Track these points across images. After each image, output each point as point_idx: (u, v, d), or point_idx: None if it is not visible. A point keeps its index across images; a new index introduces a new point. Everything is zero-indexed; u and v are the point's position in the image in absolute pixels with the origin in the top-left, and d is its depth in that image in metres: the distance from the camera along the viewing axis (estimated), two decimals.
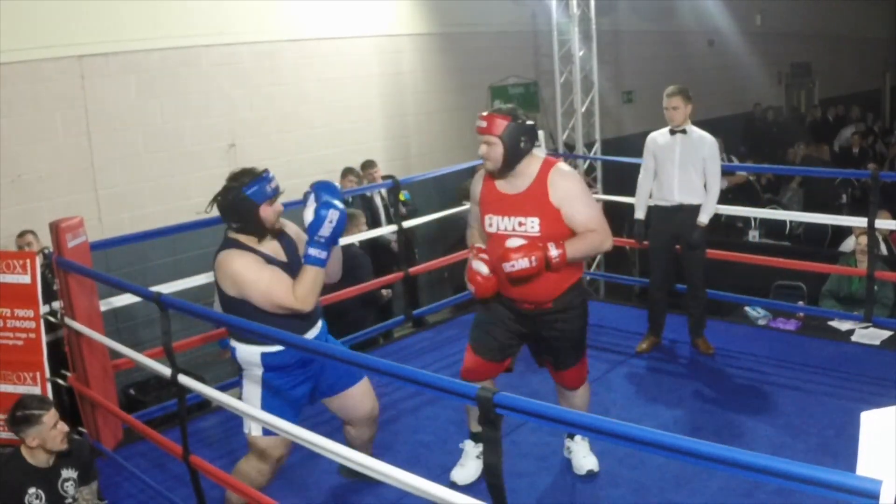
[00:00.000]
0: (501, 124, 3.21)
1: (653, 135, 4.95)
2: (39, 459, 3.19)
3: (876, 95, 16.73)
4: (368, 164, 7.50)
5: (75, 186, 6.05)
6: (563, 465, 3.76)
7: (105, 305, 4.19)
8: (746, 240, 8.30)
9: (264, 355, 3.08)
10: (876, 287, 5.17)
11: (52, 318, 3.95)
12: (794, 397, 4.32)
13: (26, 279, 3.84)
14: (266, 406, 3.06)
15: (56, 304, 3.96)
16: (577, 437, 3.72)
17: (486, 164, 3.28)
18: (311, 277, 2.99)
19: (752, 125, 12.93)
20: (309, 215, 3.01)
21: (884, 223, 5.14)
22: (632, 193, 5.18)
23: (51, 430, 3.15)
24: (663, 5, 10.97)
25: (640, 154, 5.02)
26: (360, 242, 5.92)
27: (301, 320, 3.10)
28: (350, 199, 7.21)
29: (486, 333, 3.41)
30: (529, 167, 3.26)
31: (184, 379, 3.10)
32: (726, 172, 10.24)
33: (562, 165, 3.32)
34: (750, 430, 4.02)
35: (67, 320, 3.90)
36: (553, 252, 3.13)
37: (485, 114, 3.27)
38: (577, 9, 8.52)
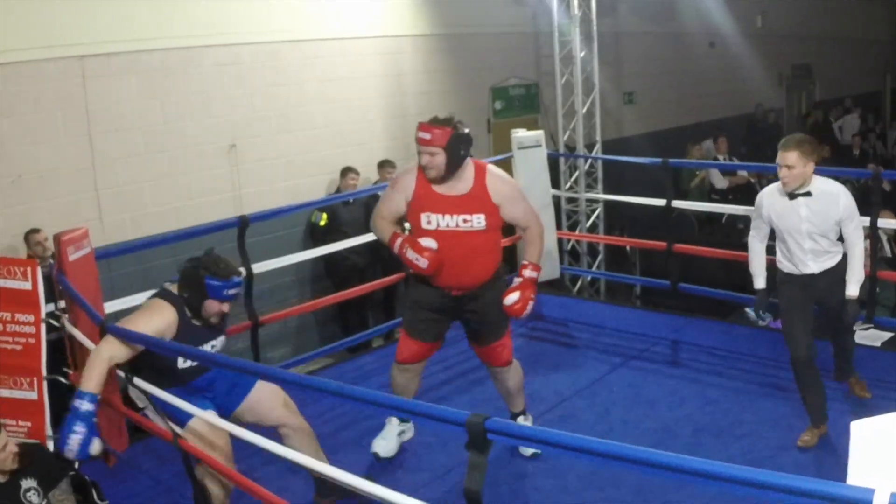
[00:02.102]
0: (444, 135, 3.49)
1: (765, 192, 4.04)
2: None
3: (876, 97, 16.72)
4: (385, 164, 7.64)
5: (76, 186, 6.05)
6: (563, 465, 3.76)
7: (109, 308, 4.19)
8: (747, 240, 8.28)
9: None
10: (878, 289, 5.16)
11: (54, 322, 3.95)
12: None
13: (27, 285, 3.84)
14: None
15: (60, 304, 3.97)
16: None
17: (428, 172, 3.57)
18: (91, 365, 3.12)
19: (754, 126, 12.92)
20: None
21: (886, 223, 5.13)
22: (631, 193, 5.16)
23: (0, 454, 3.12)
24: (664, 6, 10.96)
25: (640, 154, 4.98)
26: (368, 243, 5.92)
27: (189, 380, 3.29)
28: (351, 200, 7.23)
29: (420, 318, 3.76)
30: (466, 171, 3.62)
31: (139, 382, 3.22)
32: (727, 172, 10.31)
33: (494, 169, 3.71)
34: (751, 431, 4.02)
35: (67, 325, 3.90)
36: (533, 274, 3.71)
37: (426, 124, 3.55)
38: (578, 10, 8.51)
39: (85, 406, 3.04)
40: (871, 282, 4.80)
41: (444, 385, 4.87)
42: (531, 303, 3.66)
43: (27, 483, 3.18)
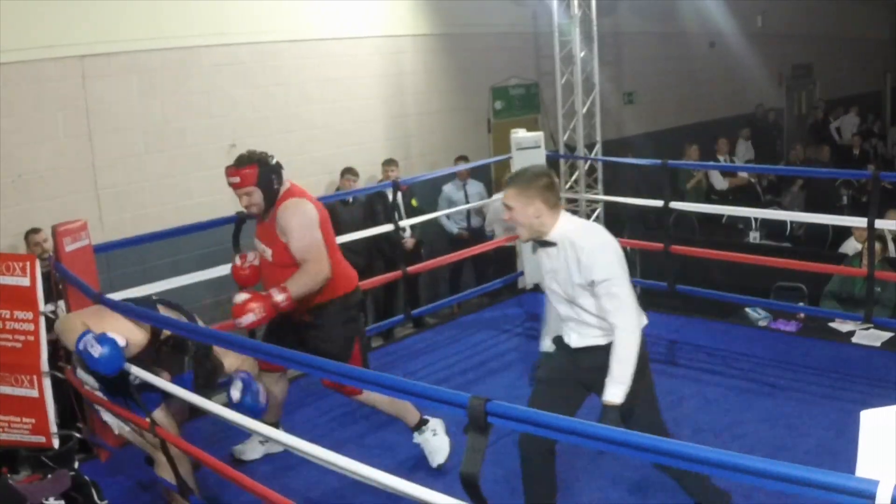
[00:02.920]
0: (253, 174, 3.52)
1: None
2: None
3: (876, 97, 16.71)
4: (389, 162, 7.69)
5: (76, 186, 6.05)
6: (562, 465, 3.75)
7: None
8: (747, 241, 8.30)
9: None
10: (879, 288, 5.17)
11: (52, 317, 3.96)
12: (794, 398, 4.31)
13: (25, 282, 3.84)
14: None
15: (60, 303, 3.98)
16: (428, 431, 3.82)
17: (252, 211, 3.59)
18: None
19: (755, 126, 12.92)
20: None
21: (886, 223, 5.13)
22: (632, 194, 5.16)
23: None
24: (665, 6, 10.96)
25: (641, 155, 4.99)
26: (372, 237, 5.95)
27: None
28: (351, 199, 7.24)
29: (273, 337, 3.72)
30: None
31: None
32: (726, 173, 10.31)
33: (291, 201, 3.56)
34: (750, 431, 4.02)
35: None
36: (278, 297, 3.40)
37: (232, 169, 3.56)
38: (578, 10, 8.51)
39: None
40: (868, 281, 4.80)
41: (450, 379, 4.88)
42: (251, 315, 3.36)
43: None
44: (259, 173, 3.53)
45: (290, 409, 4.45)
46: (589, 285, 2.86)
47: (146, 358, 3.21)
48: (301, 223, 3.54)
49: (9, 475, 3.60)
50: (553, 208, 2.93)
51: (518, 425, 1.97)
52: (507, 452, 3.37)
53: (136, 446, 3.45)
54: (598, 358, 2.92)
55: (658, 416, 3.17)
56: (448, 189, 8.14)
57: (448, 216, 7.80)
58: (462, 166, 7.67)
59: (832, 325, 5.41)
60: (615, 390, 2.79)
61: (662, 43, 11.38)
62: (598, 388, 2.86)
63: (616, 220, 8.96)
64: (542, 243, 2.98)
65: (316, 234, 3.56)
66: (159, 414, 3.24)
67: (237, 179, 3.55)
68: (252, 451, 4.00)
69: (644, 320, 3.01)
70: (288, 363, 2.79)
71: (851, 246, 6.64)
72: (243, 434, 3.88)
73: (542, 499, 3.16)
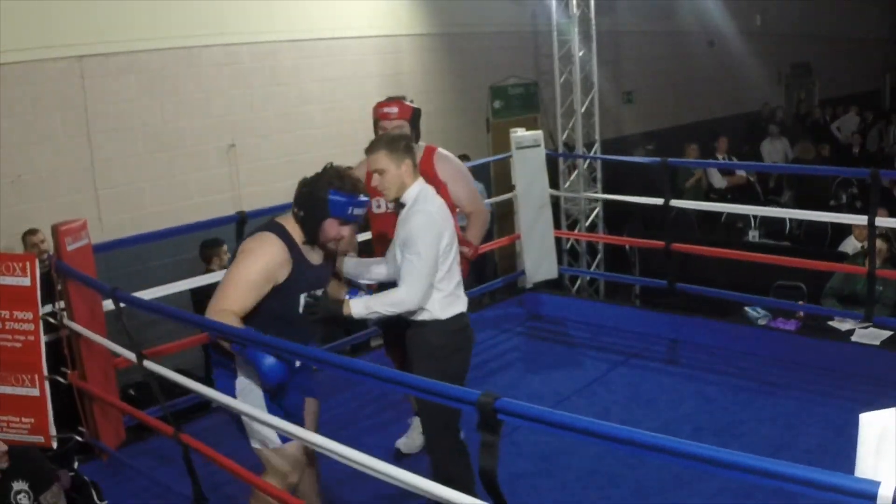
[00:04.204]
0: (409, 110, 3.65)
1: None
2: None
3: (876, 96, 16.72)
4: None
5: (75, 187, 6.05)
6: (562, 465, 3.76)
7: (108, 305, 4.19)
8: (746, 239, 8.30)
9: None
10: (881, 287, 5.16)
11: (52, 320, 3.95)
12: (793, 397, 4.32)
13: (26, 281, 3.84)
14: (272, 412, 2.81)
15: (59, 304, 3.97)
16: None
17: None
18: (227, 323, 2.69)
19: (758, 125, 12.92)
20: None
21: (885, 221, 5.13)
22: (631, 193, 5.16)
23: None
24: (663, 5, 10.96)
25: (639, 153, 5.00)
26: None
27: (293, 338, 2.77)
28: None
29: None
30: (417, 151, 3.64)
31: (149, 364, 3.21)
32: (725, 172, 10.30)
33: (446, 152, 3.83)
34: (750, 430, 4.02)
35: (67, 321, 3.91)
36: (464, 249, 3.56)
37: (388, 101, 3.71)
38: (576, 9, 8.51)
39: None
40: (869, 280, 4.80)
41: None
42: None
43: (18, 485, 3.18)
44: (413, 112, 3.65)
45: None
46: (401, 246, 3.03)
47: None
48: (464, 174, 3.84)
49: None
50: (415, 170, 3.12)
51: (527, 423, 1.99)
52: (508, 452, 3.38)
53: (135, 446, 3.46)
54: (410, 325, 3.12)
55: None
56: None
57: None
58: None
59: (831, 322, 5.41)
60: (359, 306, 2.97)
61: (661, 42, 11.38)
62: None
63: (617, 219, 8.98)
64: (398, 204, 3.11)
65: (474, 185, 3.86)
66: (295, 447, 2.89)
67: (395, 110, 3.61)
68: (413, 443, 3.95)
69: (460, 308, 3.20)
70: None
71: (851, 244, 6.64)
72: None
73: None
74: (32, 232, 5.47)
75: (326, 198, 2.78)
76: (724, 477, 2.35)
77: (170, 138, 6.57)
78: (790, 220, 8.37)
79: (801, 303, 6.15)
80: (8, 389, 3.81)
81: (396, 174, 3.07)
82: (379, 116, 3.68)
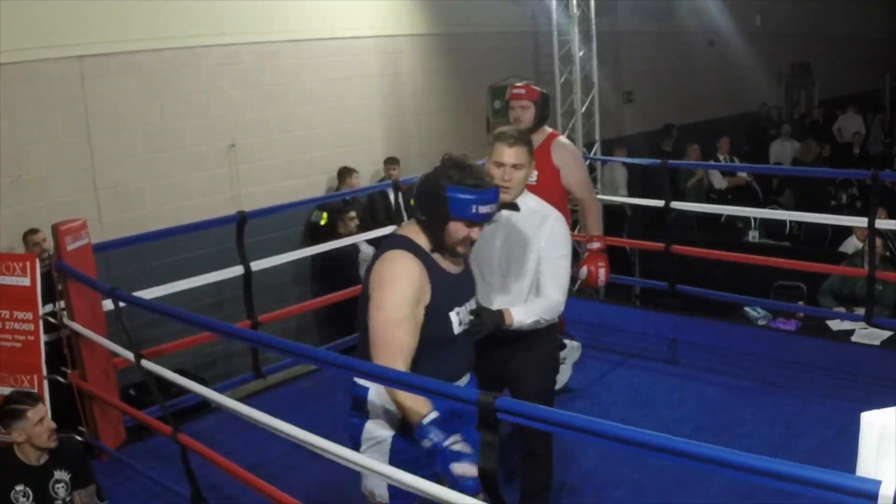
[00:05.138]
0: (537, 93, 4.05)
1: None
2: (30, 457, 3.18)
3: (876, 96, 16.71)
4: (390, 160, 7.73)
5: (75, 186, 6.05)
6: (563, 465, 3.76)
7: (108, 305, 4.19)
8: (746, 240, 8.30)
9: None
10: (880, 287, 5.16)
11: (52, 319, 3.96)
12: (794, 397, 4.32)
13: (26, 281, 3.85)
14: (394, 462, 2.40)
15: (59, 304, 3.97)
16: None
17: (517, 126, 3.81)
18: (408, 404, 2.27)
19: (758, 125, 12.91)
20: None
21: (885, 223, 5.13)
22: (631, 193, 5.17)
23: (35, 427, 3.13)
24: (663, 5, 10.96)
25: (640, 154, 5.04)
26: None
27: (455, 364, 2.49)
28: (350, 199, 7.24)
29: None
30: (540, 134, 4.06)
31: (147, 363, 3.23)
32: (726, 173, 10.30)
33: (566, 140, 4.20)
34: (750, 430, 4.02)
35: (67, 321, 3.91)
36: (595, 245, 4.23)
37: (521, 83, 4.16)
38: (576, 9, 8.51)
39: (436, 435, 2.19)
40: (869, 281, 4.80)
41: None
42: (602, 270, 4.25)
43: (59, 474, 3.22)
44: (540, 95, 4.06)
45: (292, 409, 4.44)
46: (541, 249, 2.85)
47: None
48: (580, 161, 4.23)
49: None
50: None
51: (525, 421, 2.00)
52: (509, 452, 3.37)
53: (135, 446, 3.46)
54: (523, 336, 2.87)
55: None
56: None
57: None
58: None
59: (829, 322, 5.41)
60: (521, 314, 2.74)
61: (661, 42, 11.38)
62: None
63: (616, 219, 8.98)
64: (509, 206, 2.77)
65: (587, 174, 4.28)
66: None
67: (523, 91, 4.05)
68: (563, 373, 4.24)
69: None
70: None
71: (852, 244, 6.64)
72: (244, 432, 3.89)
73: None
74: (34, 231, 5.48)
75: (445, 195, 2.35)
76: (725, 477, 2.35)
77: (170, 138, 6.57)
78: (790, 220, 8.36)
79: (800, 303, 6.15)
80: (7, 390, 3.81)
81: (528, 174, 2.91)
82: (511, 97, 4.12)
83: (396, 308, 2.32)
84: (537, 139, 3.89)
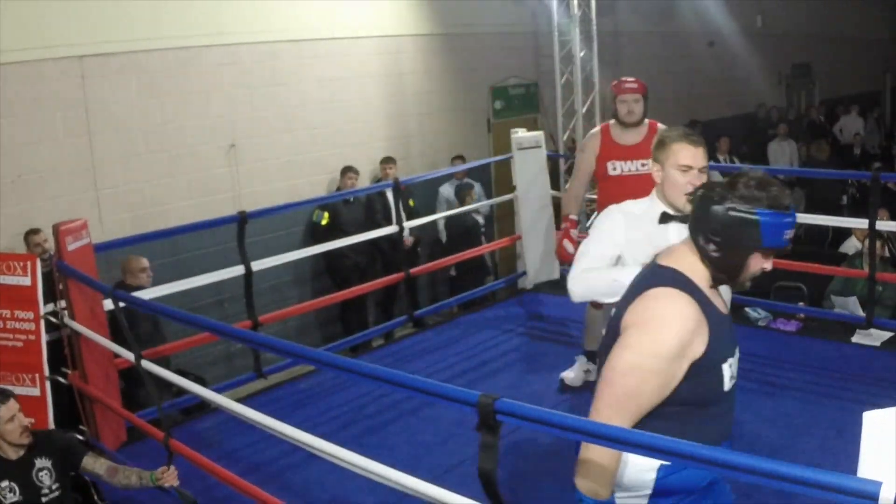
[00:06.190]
0: (645, 88, 4.37)
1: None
2: (8, 453, 3.19)
3: (876, 96, 16.72)
4: (387, 160, 7.71)
5: (76, 186, 6.05)
6: (563, 465, 3.75)
7: (105, 306, 4.19)
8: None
9: (664, 471, 2.05)
10: (881, 288, 5.15)
11: (53, 319, 3.96)
12: (794, 398, 4.31)
13: (26, 281, 3.85)
14: None
15: (60, 304, 3.98)
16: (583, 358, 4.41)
17: (627, 119, 4.33)
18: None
19: (756, 126, 12.91)
20: None
21: (885, 225, 5.12)
22: None
23: (7, 424, 3.14)
24: (664, 6, 10.97)
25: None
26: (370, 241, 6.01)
27: (720, 427, 2.16)
28: (351, 199, 7.24)
29: None
30: (642, 126, 4.39)
31: (147, 364, 3.22)
32: (726, 173, 10.29)
33: (662, 127, 4.25)
34: (750, 431, 4.02)
35: (68, 321, 3.92)
36: None
37: (627, 79, 4.41)
38: (577, 9, 8.52)
39: None
40: (869, 282, 4.80)
41: (452, 380, 4.88)
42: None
43: (41, 462, 3.22)
44: (646, 88, 4.39)
45: (292, 409, 4.45)
46: None
47: None
48: None
49: None
50: None
51: (525, 423, 1.99)
52: (509, 453, 3.38)
53: (134, 446, 3.46)
54: None
55: None
56: (445, 189, 8.14)
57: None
58: (460, 167, 7.65)
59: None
60: None
61: (662, 42, 11.38)
62: None
63: None
64: (680, 218, 2.33)
65: None
66: None
67: (635, 85, 4.34)
68: (576, 377, 4.54)
69: None
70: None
71: (852, 245, 6.63)
72: (243, 433, 3.89)
73: None
74: (35, 231, 5.48)
75: (757, 221, 1.93)
76: (726, 476, 2.36)
77: (170, 138, 6.57)
78: None
79: (801, 304, 6.15)
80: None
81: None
82: (621, 91, 4.34)
83: (652, 357, 1.92)
84: (642, 130, 4.36)
